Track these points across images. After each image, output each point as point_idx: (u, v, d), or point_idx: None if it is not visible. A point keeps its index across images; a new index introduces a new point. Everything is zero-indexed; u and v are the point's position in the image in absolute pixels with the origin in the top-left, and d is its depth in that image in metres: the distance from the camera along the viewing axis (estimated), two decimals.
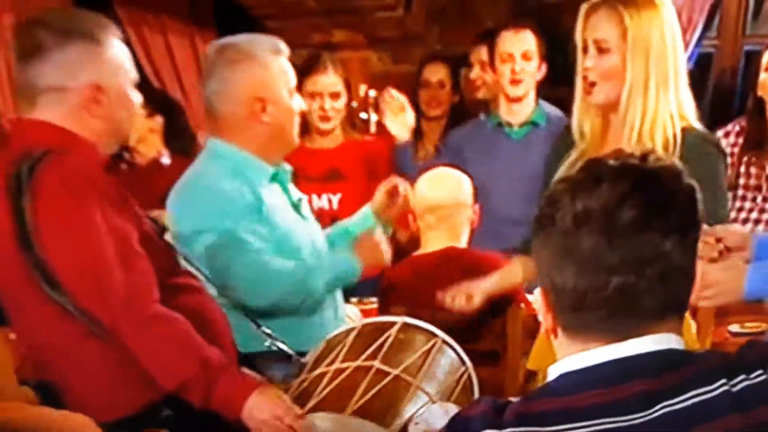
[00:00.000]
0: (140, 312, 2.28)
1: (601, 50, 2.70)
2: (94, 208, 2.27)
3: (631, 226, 1.36)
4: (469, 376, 2.52)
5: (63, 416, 1.36)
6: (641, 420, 1.33)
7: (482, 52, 4.65)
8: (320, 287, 2.90)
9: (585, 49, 2.74)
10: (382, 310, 3.33)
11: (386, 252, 2.99)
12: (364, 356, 2.47)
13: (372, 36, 5.67)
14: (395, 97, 4.08)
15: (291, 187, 3.08)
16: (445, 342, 2.55)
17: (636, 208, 1.36)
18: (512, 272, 2.94)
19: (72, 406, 2.23)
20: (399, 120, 4.08)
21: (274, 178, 2.98)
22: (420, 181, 3.46)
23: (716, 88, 5.34)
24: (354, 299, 3.68)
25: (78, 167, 2.31)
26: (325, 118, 4.22)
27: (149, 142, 4.77)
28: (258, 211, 2.86)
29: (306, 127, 4.23)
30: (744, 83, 5.03)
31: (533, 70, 4.08)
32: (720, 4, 5.18)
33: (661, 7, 2.70)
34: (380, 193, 3.25)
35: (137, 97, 2.48)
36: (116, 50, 2.42)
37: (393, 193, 3.23)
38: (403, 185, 3.24)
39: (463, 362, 2.54)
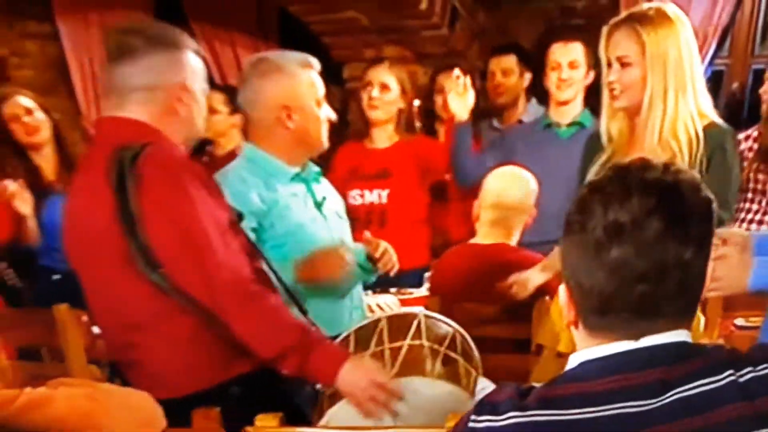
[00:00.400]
0: (242, 288, 2.23)
1: (623, 65, 2.74)
2: (193, 193, 2.24)
3: (657, 237, 1.33)
4: (478, 368, 2.46)
5: (125, 392, 1.35)
6: (654, 406, 1.31)
7: (503, 61, 4.63)
8: None
9: (609, 65, 2.79)
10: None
11: (342, 270, 2.78)
12: (409, 337, 2.37)
13: (419, 52, 5.66)
14: (460, 77, 4.03)
15: (318, 186, 3.02)
16: (459, 333, 2.48)
17: (662, 220, 1.33)
18: (557, 262, 2.91)
19: (141, 384, 2.16)
20: (462, 99, 4.04)
21: (296, 178, 2.94)
22: (492, 176, 3.38)
23: (727, 102, 5.38)
24: (393, 289, 3.65)
25: (175, 155, 2.32)
26: (373, 107, 4.24)
27: (230, 136, 4.81)
28: (269, 210, 2.83)
29: (367, 129, 4.25)
30: (752, 98, 5.04)
31: (580, 77, 4.07)
32: (732, 26, 5.20)
33: (676, 22, 2.72)
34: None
35: (205, 103, 2.48)
36: (195, 59, 2.43)
37: (373, 252, 3.02)
38: (382, 246, 3.01)
39: (472, 351, 2.48)
